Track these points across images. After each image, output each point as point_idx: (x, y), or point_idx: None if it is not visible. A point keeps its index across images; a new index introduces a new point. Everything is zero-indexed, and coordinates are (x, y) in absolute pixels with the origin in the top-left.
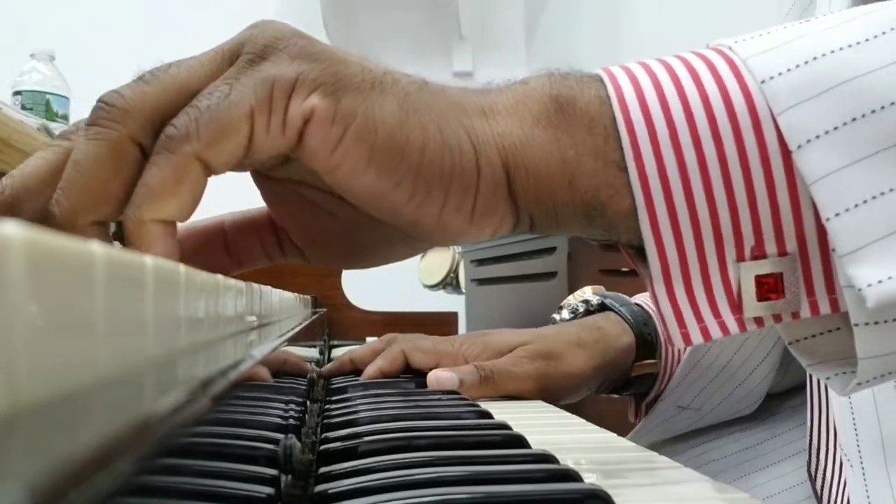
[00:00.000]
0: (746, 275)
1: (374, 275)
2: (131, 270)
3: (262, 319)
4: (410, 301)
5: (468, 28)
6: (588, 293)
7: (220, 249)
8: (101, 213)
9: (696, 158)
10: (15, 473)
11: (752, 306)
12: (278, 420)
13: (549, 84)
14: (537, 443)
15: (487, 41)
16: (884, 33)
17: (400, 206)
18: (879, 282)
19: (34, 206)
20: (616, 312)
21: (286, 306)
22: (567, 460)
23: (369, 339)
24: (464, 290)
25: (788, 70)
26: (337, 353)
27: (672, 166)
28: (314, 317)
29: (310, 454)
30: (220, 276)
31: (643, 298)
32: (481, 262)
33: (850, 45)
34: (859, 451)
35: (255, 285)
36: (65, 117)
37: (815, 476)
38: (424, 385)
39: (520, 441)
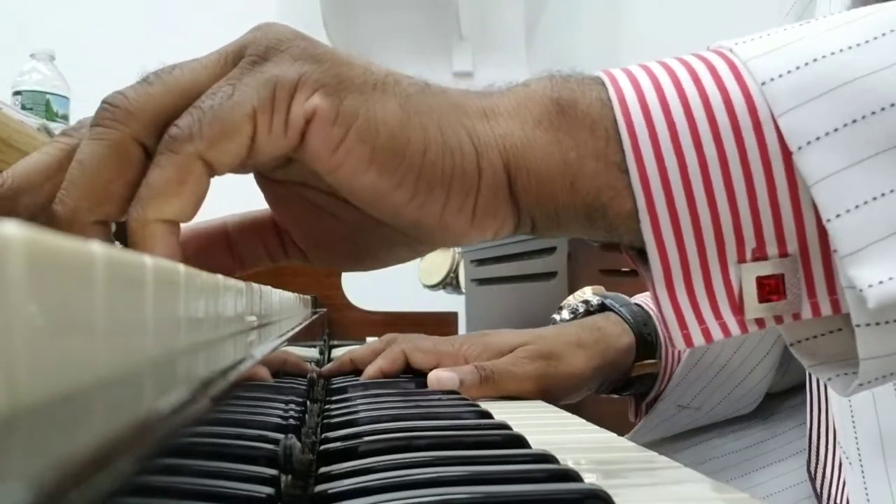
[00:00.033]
0: (748, 276)
1: (374, 275)
2: (131, 270)
3: (262, 319)
4: (410, 301)
5: (468, 28)
6: (588, 293)
7: (224, 251)
8: (104, 213)
9: (697, 160)
10: (15, 473)
11: (753, 308)
12: (278, 420)
13: (551, 86)
14: (537, 443)
15: (487, 41)
16: (884, 35)
17: (401, 206)
18: (880, 282)
19: (33, 201)
20: (616, 313)
21: (286, 306)
22: (567, 460)
23: (369, 339)
24: (464, 290)
25: (789, 72)
26: (337, 353)
27: (673, 168)
28: (314, 317)
29: (310, 454)
30: (219, 276)
31: (643, 298)
32: (481, 262)
33: (850, 47)
34: (858, 450)
35: (255, 285)
36: (65, 117)
37: (815, 475)
38: (424, 385)
39: (520, 441)
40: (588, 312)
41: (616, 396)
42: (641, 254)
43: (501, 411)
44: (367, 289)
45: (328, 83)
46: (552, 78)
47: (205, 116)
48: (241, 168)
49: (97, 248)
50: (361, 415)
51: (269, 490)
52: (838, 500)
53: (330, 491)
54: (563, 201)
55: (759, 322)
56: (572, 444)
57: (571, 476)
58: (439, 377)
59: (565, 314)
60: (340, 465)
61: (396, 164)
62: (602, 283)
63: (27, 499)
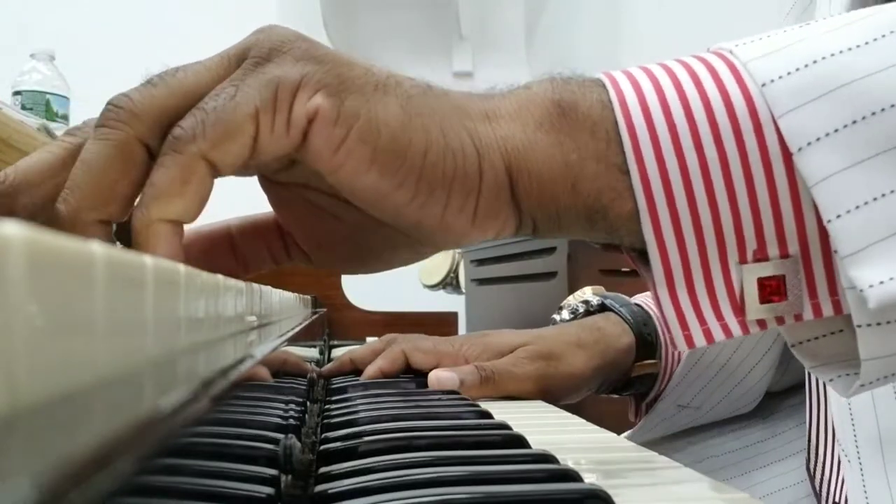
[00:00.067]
0: (749, 277)
1: (374, 275)
2: (131, 270)
3: (262, 319)
4: (410, 301)
5: (468, 28)
6: (588, 293)
7: (227, 253)
8: (107, 213)
9: (697, 161)
10: (15, 473)
11: (754, 308)
12: (278, 420)
13: (552, 88)
14: (537, 443)
15: (487, 41)
16: (883, 36)
17: (402, 207)
18: (881, 283)
19: (33, 199)
20: (616, 313)
21: (286, 306)
22: (567, 460)
23: (369, 339)
24: (464, 290)
25: (789, 73)
26: (337, 353)
27: (674, 169)
28: (314, 317)
29: (310, 454)
30: (220, 277)
31: (643, 299)
32: (481, 262)
33: (849, 49)
34: (857, 449)
35: (255, 285)
36: (65, 117)
37: (815, 474)
38: (425, 385)
39: (520, 441)
40: (588, 312)
41: (616, 396)
42: (642, 255)
43: (501, 411)
44: (367, 289)
45: (330, 84)
46: (553, 80)
47: (208, 117)
48: (244, 168)
49: (97, 248)
50: (361, 415)
51: (269, 490)
52: (837, 499)
53: (330, 491)
54: (565, 203)
55: (761, 323)
56: (572, 444)
57: (571, 476)
58: (439, 377)
59: (565, 314)
60: (340, 465)
61: (398, 164)
62: (602, 283)
63: (27, 499)
